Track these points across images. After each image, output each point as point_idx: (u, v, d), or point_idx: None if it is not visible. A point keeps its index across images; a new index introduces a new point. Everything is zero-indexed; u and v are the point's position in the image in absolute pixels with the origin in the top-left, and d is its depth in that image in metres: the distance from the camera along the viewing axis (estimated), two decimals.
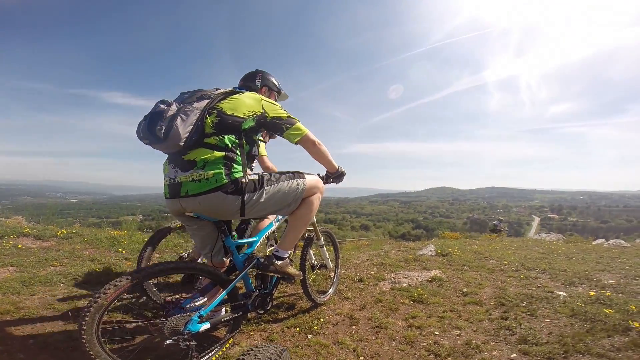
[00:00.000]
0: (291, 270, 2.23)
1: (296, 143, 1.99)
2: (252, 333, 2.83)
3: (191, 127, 1.61)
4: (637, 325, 2.61)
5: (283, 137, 1.99)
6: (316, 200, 2.18)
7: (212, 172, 1.67)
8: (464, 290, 3.87)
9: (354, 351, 2.49)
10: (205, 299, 1.90)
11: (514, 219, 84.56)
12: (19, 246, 5.34)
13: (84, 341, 1.49)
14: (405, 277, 4.36)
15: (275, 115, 1.90)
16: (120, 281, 1.63)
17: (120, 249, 5.98)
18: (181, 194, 1.75)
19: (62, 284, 3.87)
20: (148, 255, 2.88)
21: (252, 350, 1.48)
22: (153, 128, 1.57)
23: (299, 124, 1.94)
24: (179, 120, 1.58)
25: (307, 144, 2.02)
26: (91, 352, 1.51)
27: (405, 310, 3.29)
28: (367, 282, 4.20)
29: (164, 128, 1.57)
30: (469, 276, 4.48)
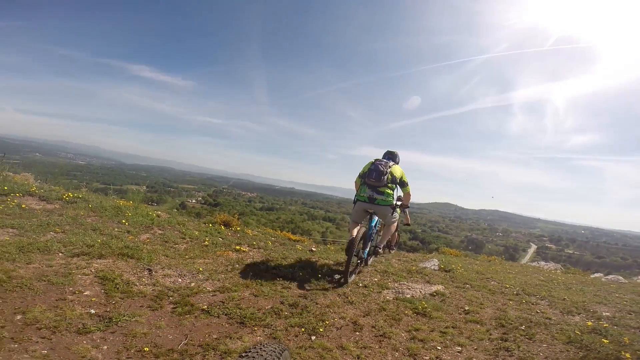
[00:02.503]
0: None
1: (406, 193, 4.89)
2: (255, 328, 2.88)
3: (384, 178, 4.34)
4: (629, 356, 2.69)
5: (402, 189, 4.82)
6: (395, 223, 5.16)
7: (389, 199, 4.46)
8: (466, 308, 3.94)
9: (358, 358, 2.57)
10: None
11: (511, 243, 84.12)
12: (23, 206, 5.28)
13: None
14: (409, 289, 4.43)
15: (405, 180, 4.69)
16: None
17: (123, 220, 5.80)
18: (375, 203, 4.50)
19: (60, 254, 3.75)
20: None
21: (252, 349, 1.53)
22: (379, 177, 4.34)
23: (409, 186, 4.76)
24: (385, 177, 4.34)
25: (408, 195, 4.89)
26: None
27: (409, 321, 3.37)
28: (371, 289, 4.27)
29: (381, 178, 4.34)
30: (471, 295, 4.54)
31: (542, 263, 11.68)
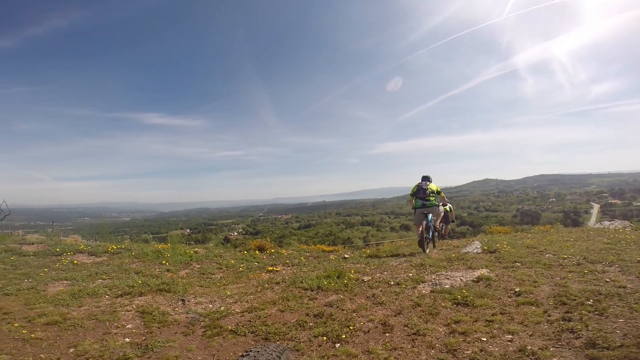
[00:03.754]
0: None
1: (441, 197, 6.66)
2: (278, 342, 2.73)
3: (427, 192, 6.41)
4: None
5: (439, 196, 6.58)
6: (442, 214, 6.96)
7: (434, 202, 6.41)
8: (517, 289, 3.48)
9: None
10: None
11: (569, 207, 77.62)
12: (75, 262, 5.98)
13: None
14: (448, 278, 4.04)
15: (439, 190, 6.52)
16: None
17: (163, 261, 6.37)
18: (427, 207, 6.35)
19: (107, 296, 4.20)
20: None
21: (250, 351, 1.51)
22: (424, 192, 6.39)
23: (442, 192, 6.63)
24: (428, 191, 6.35)
25: (443, 198, 6.77)
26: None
27: (447, 314, 3.01)
28: (404, 286, 3.94)
29: (426, 192, 6.38)
30: (522, 273, 4.04)
31: (606, 223, 10.45)
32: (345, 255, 7.07)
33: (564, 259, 4.68)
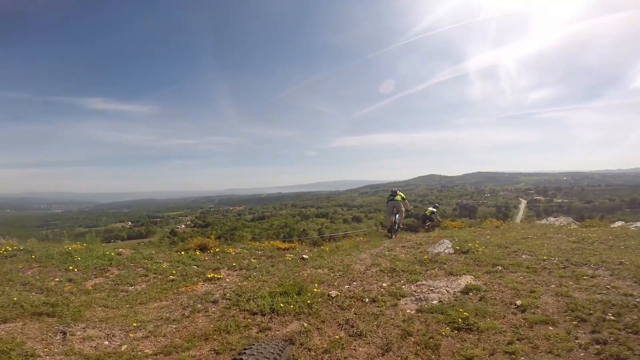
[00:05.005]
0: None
1: (405, 202, 9.24)
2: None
3: (397, 196, 9.17)
4: None
5: (403, 201, 9.13)
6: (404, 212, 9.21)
7: (401, 199, 9.17)
8: (518, 302, 2.82)
9: None
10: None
11: (501, 202, 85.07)
12: None
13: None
14: (432, 290, 3.28)
15: (404, 196, 9.35)
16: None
17: (71, 267, 4.83)
18: (394, 200, 9.07)
19: None
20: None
21: (251, 346, 1.47)
22: (394, 195, 9.27)
23: (406, 199, 9.34)
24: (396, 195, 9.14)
25: (407, 202, 9.37)
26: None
27: (451, 346, 2.21)
28: (382, 303, 3.06)
29: (395, 196, 9.17)
30: (511, 280, 3.44)
31: (552, 219, 10.84)
32: (304, 255, 6.15)
33: (544, 260, 4.24)
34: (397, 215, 8.65)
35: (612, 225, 7.99)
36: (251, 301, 3.26)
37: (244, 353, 1.41)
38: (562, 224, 9.86)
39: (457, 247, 5.16)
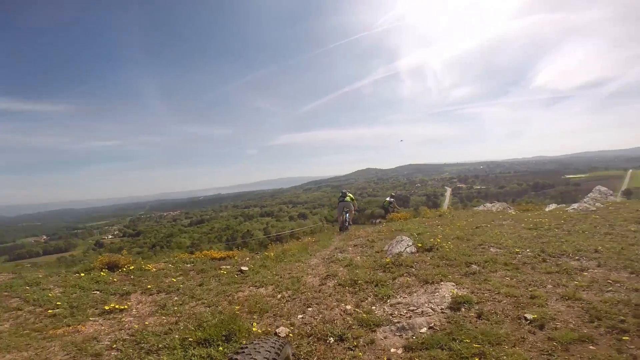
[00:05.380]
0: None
1: (354, 201, 9.83)
2: None
3: (346, 197, 9.74)
4: None
5: (352, 202, 9.66)
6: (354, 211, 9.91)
7: (350, 201, 9.64)
8: (528, 316, 2.11)
9: None
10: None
11: (430, 191, 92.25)
12: None
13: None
14: (412, 311, 2.43)
15: (353, 197, 10.01)
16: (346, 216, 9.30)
17: None
18: (345, 201, 9.65)
19: None
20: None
21: (250, 344, 1.42)
22: (344, 196, 9.80)
23: (355, 200, 9.92)
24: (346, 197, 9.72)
25: (355, 202, 9.88)
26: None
27: None
28: (353, 342, 2.09)
29: (345, 197, 9.71)
30: (499, 284, 2.78)
31: (489, 205, 11.20)
32: (243, 267, 5.01)
33: (517, 253, 3.75)
34: (347, 214, 9.28)
35: (546, 209, 8.30)
36: (151, 356, 2.05)
37: (241, 352, 1.35)
38: (499, 209, 10.17)
39: (419, 245, 4.50)
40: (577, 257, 3.31)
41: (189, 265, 5.51)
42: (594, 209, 6.52)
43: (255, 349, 1.36)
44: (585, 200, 8.60)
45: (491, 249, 4.06)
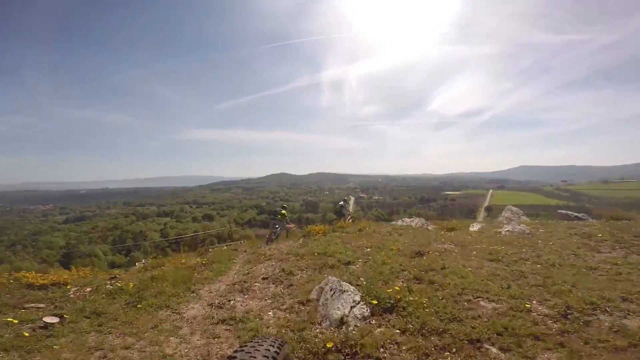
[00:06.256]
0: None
1: (286, 218, 9.24)
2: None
3: (280, 215, 9.38)
4: None
5: (284, 219, 9.12)
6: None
7: (282, 217, 9.26)
8: None
9: None
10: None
11: (336, 199, 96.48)
12: None
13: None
14: None
15: (286, 215, 9.26)
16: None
17: None
18: (276, 219, 9.34)
19: None
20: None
21: (248, 342, 1.41)
22: (276, 214, 9.42)
23: (287, 216, 9.30)
24: (279, 214, 9.37)
25: (286, 217, 9.22)
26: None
27: None
28: None
29: (278, 215, 9.37)
30: None
31: (407, 220, 10.48)
32: (49, 320, 2.45)
33: (529, 310, 2.27)
34: (279, 228, 9.19)
35: (471, 229, 7.67)
36: None
37: (240, 351, 1.33)
38: (418, 225, 9.45)
39: (372, 300, 2.69)
40: (615, 312, 1.97)
41: None
42: (529, 232, 5.94)
43: (254, 347, 1.35)
44: (500, 219, 8.36)
45: (481, 303, 2.52)
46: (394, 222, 10.31)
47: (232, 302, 3.33)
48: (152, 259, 6.76)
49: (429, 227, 8.98)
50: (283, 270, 4.33)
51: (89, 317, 2.90)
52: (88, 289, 4.10)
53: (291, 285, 3.74)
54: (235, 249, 7.53)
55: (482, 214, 52.16)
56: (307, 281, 3.69)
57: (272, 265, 4.81)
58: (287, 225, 9.63)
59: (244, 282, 4.04)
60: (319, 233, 8.39)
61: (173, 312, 3.07)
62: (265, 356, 1.30)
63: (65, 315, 2.85)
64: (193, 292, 3.78)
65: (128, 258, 44.02)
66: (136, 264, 30.34)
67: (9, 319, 2.72)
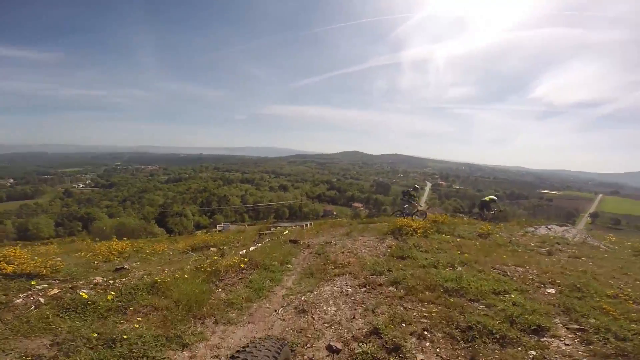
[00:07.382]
0: None
1: (414, 204, 9.30)
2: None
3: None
4: None
5: (412, 198, 9.36)
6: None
7: (410, 197, 9.60)
8: None
9: None
10: None
11: (410, 183, 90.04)
12: None
13: None
14: None
15: (415, 196, 9.59)
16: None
17: None
18: (403, 199, 9.47)
19: None
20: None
21: (249, 344, 1.41)
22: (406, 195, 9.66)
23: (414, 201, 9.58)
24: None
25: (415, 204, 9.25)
26: None
27: None
28: None
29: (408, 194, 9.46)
30: None
31: (557, 228, 7.16)
32: None
33: None
34: (407, 208, 8.84)
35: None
36: None
37: (242, 352, 1.33)
38: (577, 238, 6.12)
39: None
40: None
41: None
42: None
43: (256, 347, 1.35)
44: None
45: None
46: (530, 229, 7.05)
47: None
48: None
49: (596, 243, 5.64)
50: (375, 329, 2.06)
51: None
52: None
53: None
54: (297, 241, 5.61)
55: (584, 221, 41.95)
56: None
57: (345, 292, 2.62)
58: (419, 209, 9.03)
59: (294, 328, 1.95)
60: (416, 232, 5.83)
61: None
62: (266, 356, 1.31)
63: None
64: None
65: (211, 220, 48.14)
66: (216, 227, 32.19)
67: None
